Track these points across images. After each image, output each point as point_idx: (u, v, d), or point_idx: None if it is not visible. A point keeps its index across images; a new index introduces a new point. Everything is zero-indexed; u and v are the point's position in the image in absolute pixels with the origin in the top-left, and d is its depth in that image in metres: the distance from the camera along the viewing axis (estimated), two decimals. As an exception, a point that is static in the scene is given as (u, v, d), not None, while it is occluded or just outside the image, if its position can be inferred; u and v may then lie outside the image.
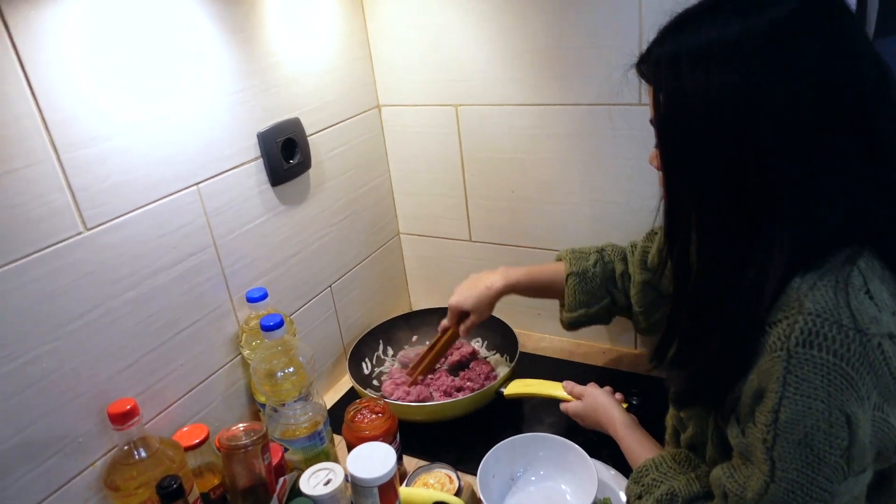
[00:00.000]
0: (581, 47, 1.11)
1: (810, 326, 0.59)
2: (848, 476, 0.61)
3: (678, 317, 0.75)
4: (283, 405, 0.98)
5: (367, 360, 1.32)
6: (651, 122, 0.70)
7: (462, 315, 1.16)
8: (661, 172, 0.72)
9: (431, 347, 1.22)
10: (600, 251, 1.12)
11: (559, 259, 1.14)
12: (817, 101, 0.59)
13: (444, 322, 1.19)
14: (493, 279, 1.12)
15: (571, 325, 1.13)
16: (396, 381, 1.23)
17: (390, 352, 1.36)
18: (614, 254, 1.11)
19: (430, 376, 1.23)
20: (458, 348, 1.30)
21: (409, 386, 1.20)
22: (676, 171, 0.69)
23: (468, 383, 1.20)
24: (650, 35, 1.03)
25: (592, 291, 1.09)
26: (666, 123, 0.68)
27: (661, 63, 0.65)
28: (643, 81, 0.70)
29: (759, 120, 0.60)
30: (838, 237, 0.63)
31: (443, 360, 1.27)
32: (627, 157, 1.16)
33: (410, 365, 1.25)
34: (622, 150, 1.16)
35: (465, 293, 1.14)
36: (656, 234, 1.05)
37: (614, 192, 1.20)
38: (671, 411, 0.88)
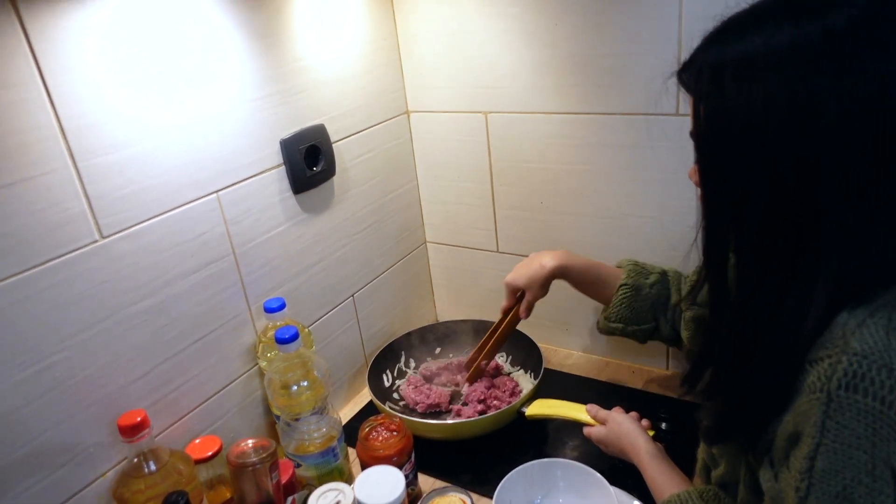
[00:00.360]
0: (616, 54, 1.06)
1: (855, 368, 0.53)
2: None
3: (712, 344, 0.70)
4: (298, 419, 0.96)
5: (388, 371, 1.29)
6: (691, 134, 0.65)
7: (519, 294, 1.12)
8: (699, 189, 0.67)
9: (493, 331, 1.18)
10: (663, 273, 1.08)
11: (620, 266, 1.10)
12: (874, 120, 0.54)
13: (504, 303, 1.15)
14: (548, 259, 1.08)
15: (606, 331, 1.10)
16: (416, 384, 1.22)
17: (412, 364, 1.33)
18: (675, 281, 1.07)
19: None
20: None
21: (469, 374, 1.19)
22: (715, 189, 0.64)
23: (494, 402, 1.16)
24: (690, 42, 0.99)
25: (640, 310, 1.05)
26: (706, 137, 0.62)
27: (704, 72, 0.60)
28: (683, 91, 0.65)
29: (809, 138, 0.55)
30: (893, 270, 0.57)
31: (503, 344, 1.22)
32: (664, 169, 1.10)
33: (468, 357, 1.22)
34: (658, 162, 1.10)
35: (520, 270, 1.11)
36: None
37: (649, 207, 1.15)
38: (702, 444, 0.82)
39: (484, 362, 1.20)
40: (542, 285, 1.09)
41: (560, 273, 1.08)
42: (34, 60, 0.73)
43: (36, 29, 0.72)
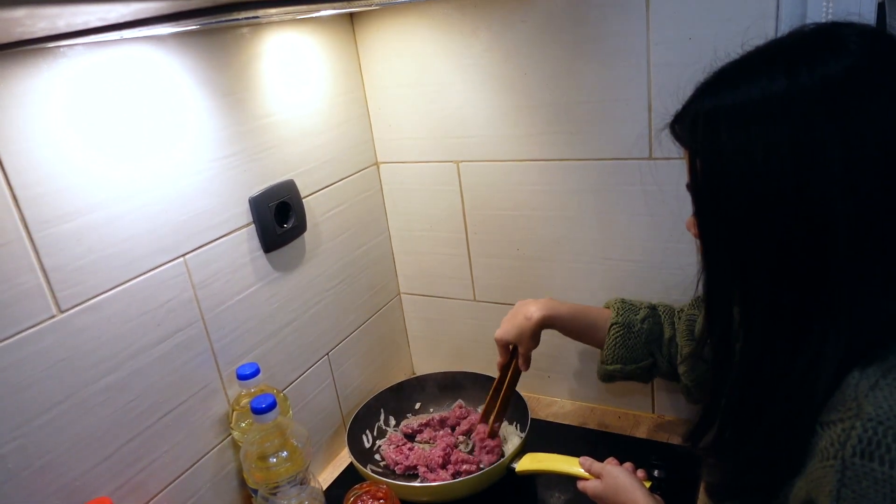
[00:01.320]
0: (587, 101, 1.07)
1: (870, 435, 0.51)
2: None
3: (717, 401, 0.67)
4: (276, 492, 0.90)
5: (367, 431, 1.23)
6: (687, 187, 0.63)
7: (512, 347, 1.09)
8: (698, 241, 0.65)
9: (496, 389, 1.13)
10: (653, 308, 1.06)
11: (607, 306, 1.08)
12: (878, 167, 0.52)
13: (499, 359, 1.11)
14: (533, 309, 1.05)
15: (606, 378, 1.07)
16: (397, 443, 1.17)
17: (392, 421, 1.27)
18: (665, 315, 1.05)
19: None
20: (465, 418, 1.22)
21: (488, 436, 1.13)
22: (716, 243, 0.62)
23: (485, 456, 1.11)
24: (659, 88, 1.00)
25: (634, 348, 1.03)
26: (704, 189, 0.61)
27: (699, 122, 0.59)
28: (669, 139, 0.64)
29: (811, 187, 0.53)
30: None
31: (511, 400, 1.15)
32: (640, 213, 1.10)
33: (478, 425, 1.16)
34: (634, 206, 1.10)
35: (507, 325, 1.08)
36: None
37: (627, 250, 1.14)
38: (702, 497, 0.79)
39: (497, 424, 1.14)
40: (532, 337, 1.06)
41: (548, 323, 1.05)
42: (-15, 128, 0.68)
43: (-13, 94, 0.68)
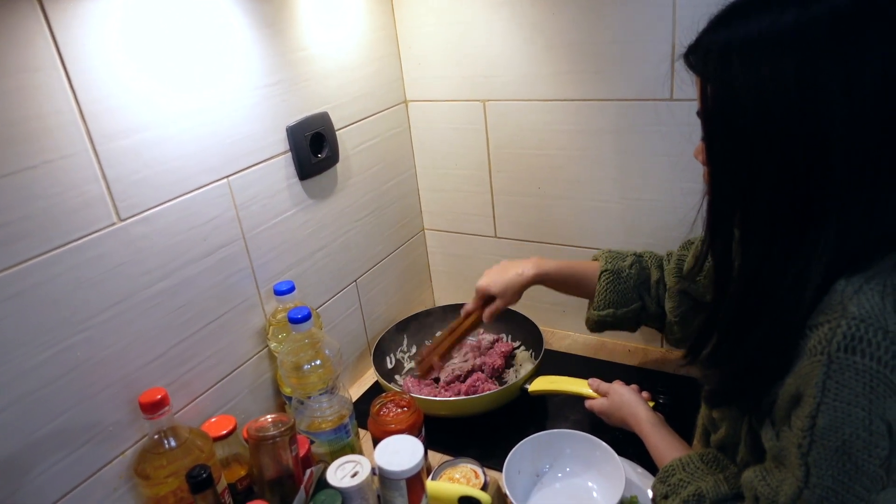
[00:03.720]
0: (612, 42, 1.10)
1: (853, 331, 0.57)
2: (886, 486, 0.59)
3: (715, 315, 0.73)
4: (310, 398, 0.99)
5: (390, 355, 1.32)
6: (697, 114, 0.67)
7: (488, 299, 1.13)
8: (705, 167, 0.70)
9: (452, 331, 1.17)
10: (638, 255, 1.11)
11: (595, 259, 1.13)
12: (878, 96, 0.57)
13: (468, 306, 1.15)
14: (525, 267, 1.10)
15: (597, 325, 1.12)
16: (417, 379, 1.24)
17: (414, 348, 1.36)
18: (651, 260, 1.10)
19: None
20: (480, 335, 1.31)
21: (421, 371, 1.16)
22: (723, 167, 0.66)
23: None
24: (684, 28, 1.03)
25: (624, 292, 1.08)
26: (714, 116, 0.65)
27: (711, 53, 0.63)
28: (686, 74, 0.68)
29: (814, 114, 0.57)
30: (888, 240, 0.61)
31: (459, 345, 1.21)
32: (659, 153, 1.14)
33: (424, 351, 1.19)
34: (654, 146, 1.14)
35: (494, 277, 1.11)
36: (692, 243, 1.03)
37: (645, 190, 1.19)
38: (703, 411, 0.86)
39: (437, 360, 1.15)
40: (517, 293, 1.11)
41: (539, 280, 1.10)
42: (55, 45, 0.74)
43: (56, 13, 0.74)
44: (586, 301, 1.36)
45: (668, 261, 1.07)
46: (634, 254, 1.11)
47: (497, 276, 1.11)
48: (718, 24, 0.63)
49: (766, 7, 0.59)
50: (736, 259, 0.68)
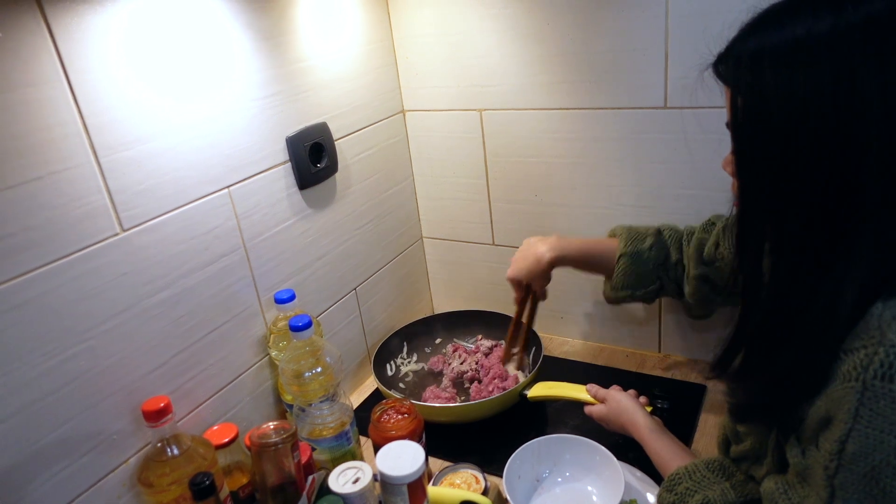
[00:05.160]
0: (606, 51, 1.12)
1: (892, 359, 0.55)
2: None
3: (744, 329, 0.70)
4: (311, 405, 1.00)
5: (390, 362, 1.33)
6: (727, 125, 0.64)
7: (525, 283, 1.15)
8: (734, 179, 0.67)
9: (518, 321, 1.22)
10: (659, 232, 1.08)
11: (613, 235, 1.12)
12: None
13: (515, 295, 1.18)
14: (543, 251, 1.10)
15: (614, 301, 1.13)
16: (436, 392, 1.24)
17: (414, 355, 1.37)
18: (671, 239, 1.08)
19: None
20: (475, 352, 1.32)
21: (505, 364, 1.24)
22: (753, 179, 0.63)
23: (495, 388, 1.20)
24: (675, 38, 1.05)
25: (643, 275, 1.07)
26: (745, 127, 0.62)
27: (742, 61, 0.60)
28: (719, 83, 0.65)
29: (850, 124, 0.55)
30: None
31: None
32: (653, 160, 1.16)
33: (503, 349, 1.27)
34: (648, 154, 1.16)
35: (518, 265, 1.13)
36: (713, 224, 1.02)
37: (640, 196, 1.20)
38: (725, 421, 0.84)
39: (517, 352, 1.25)
40: (543, 275, 1.12)
41: (558, 262, 1.11)
42: (59, 59, 0.76)
43: (60, 28, 0.75)
44: (583, 308, 1.38)
45: (688, 241, 1.05)
46: (654, 232, 1.08)
47: (521, 263, 1.13)
48: (750, 31, 0.61)
49: (800, 14, 0.57)
50: (766, 273, 0.66)
